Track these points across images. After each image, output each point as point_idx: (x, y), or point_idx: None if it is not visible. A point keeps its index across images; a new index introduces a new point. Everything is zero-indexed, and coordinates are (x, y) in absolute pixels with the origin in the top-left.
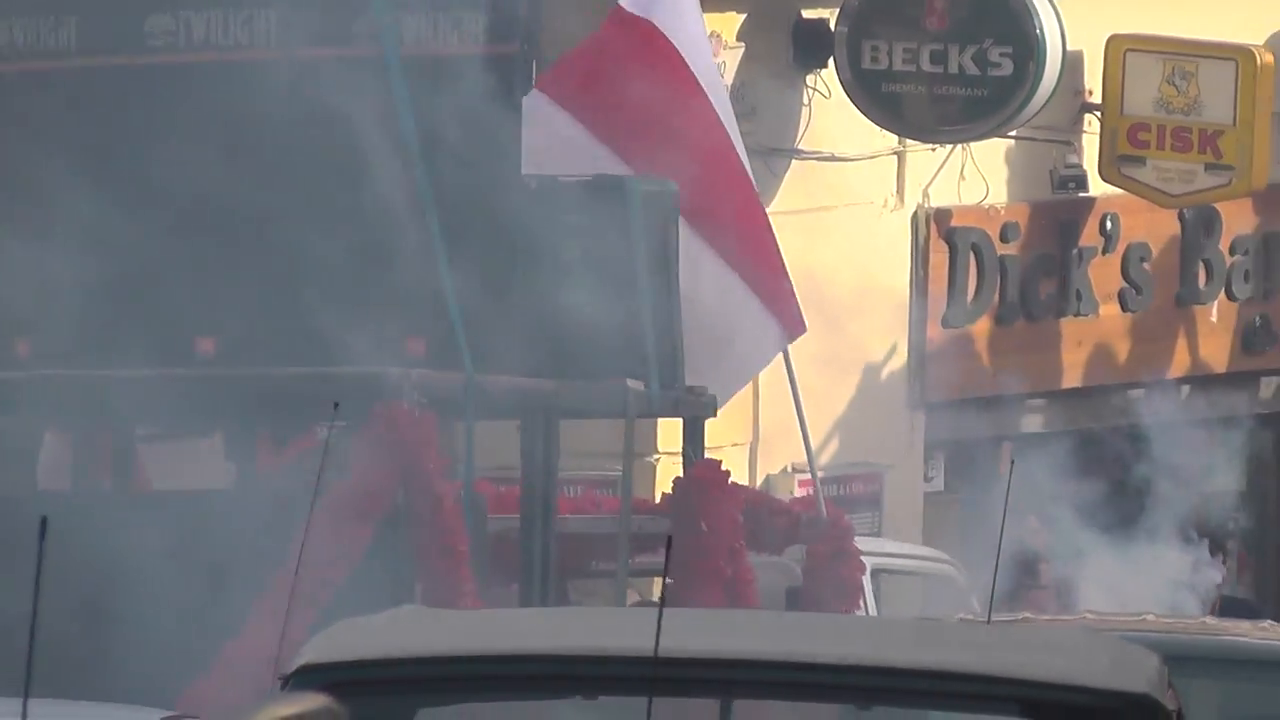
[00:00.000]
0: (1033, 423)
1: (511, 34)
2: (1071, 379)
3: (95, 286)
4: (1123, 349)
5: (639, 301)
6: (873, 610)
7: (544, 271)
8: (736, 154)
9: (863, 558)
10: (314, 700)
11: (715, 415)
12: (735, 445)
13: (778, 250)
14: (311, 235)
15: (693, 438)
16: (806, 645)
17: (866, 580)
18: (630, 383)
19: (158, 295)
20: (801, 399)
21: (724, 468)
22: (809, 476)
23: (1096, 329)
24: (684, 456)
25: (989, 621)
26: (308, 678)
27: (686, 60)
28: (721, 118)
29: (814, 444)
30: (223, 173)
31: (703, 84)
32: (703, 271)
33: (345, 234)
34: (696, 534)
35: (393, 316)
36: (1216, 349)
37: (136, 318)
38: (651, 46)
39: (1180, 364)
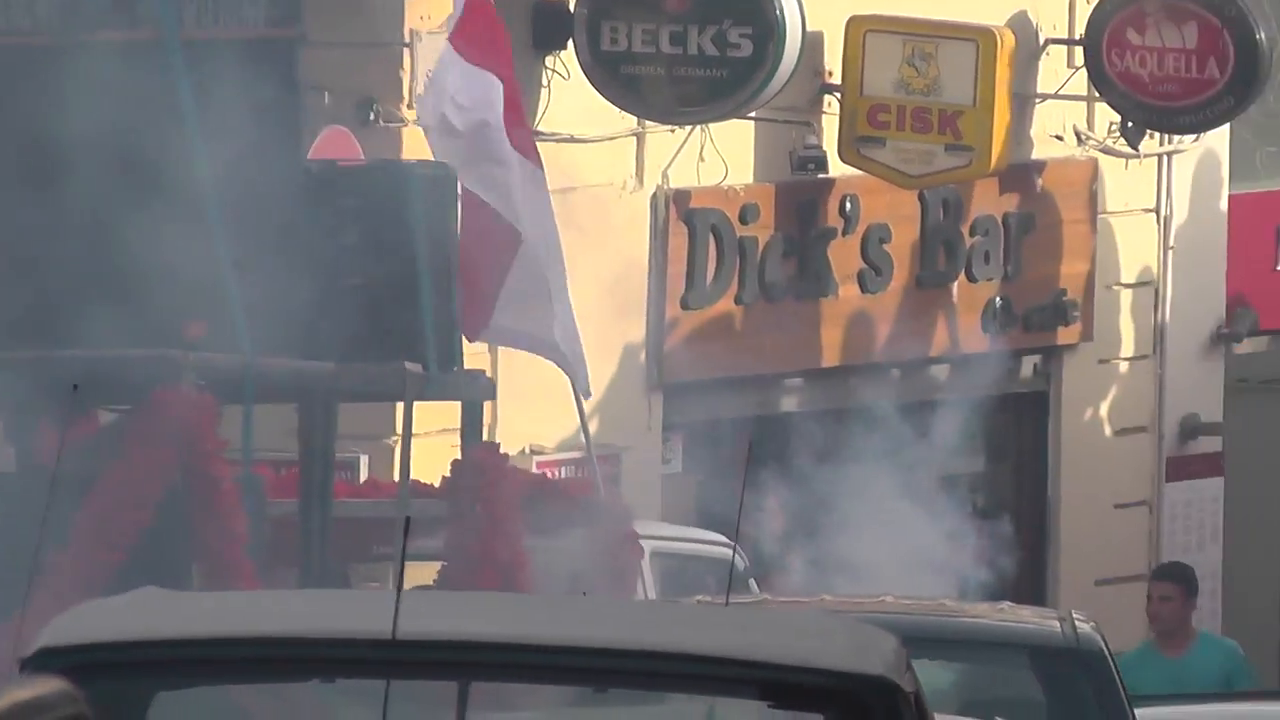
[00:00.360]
0: (774, 404)
1: (290, 18)
2: (810, 360)
3: None
4: (864, 330)
5: (418, 285)
6: (651, 593)
7: (323, 255)
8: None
9: (641, 541)
10: (51, 684)
11: (494, 398)
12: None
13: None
14: (94, 219)
15: (470, 421)
16: (544, 628)
17: (645, 564)
18: (408, 366)
19: None
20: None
21: (502, 450)
22: (546, 458)
23: (837, 309)
24: (462, 439)
25: (727, 604)
26: (46, 660)
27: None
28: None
29: (551, 426)
30: (6, 157)
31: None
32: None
33: (127, 218)
34: (474, 518)
35: (173, 300)
36: (958, 330)
37: None
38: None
39: (925, 345)
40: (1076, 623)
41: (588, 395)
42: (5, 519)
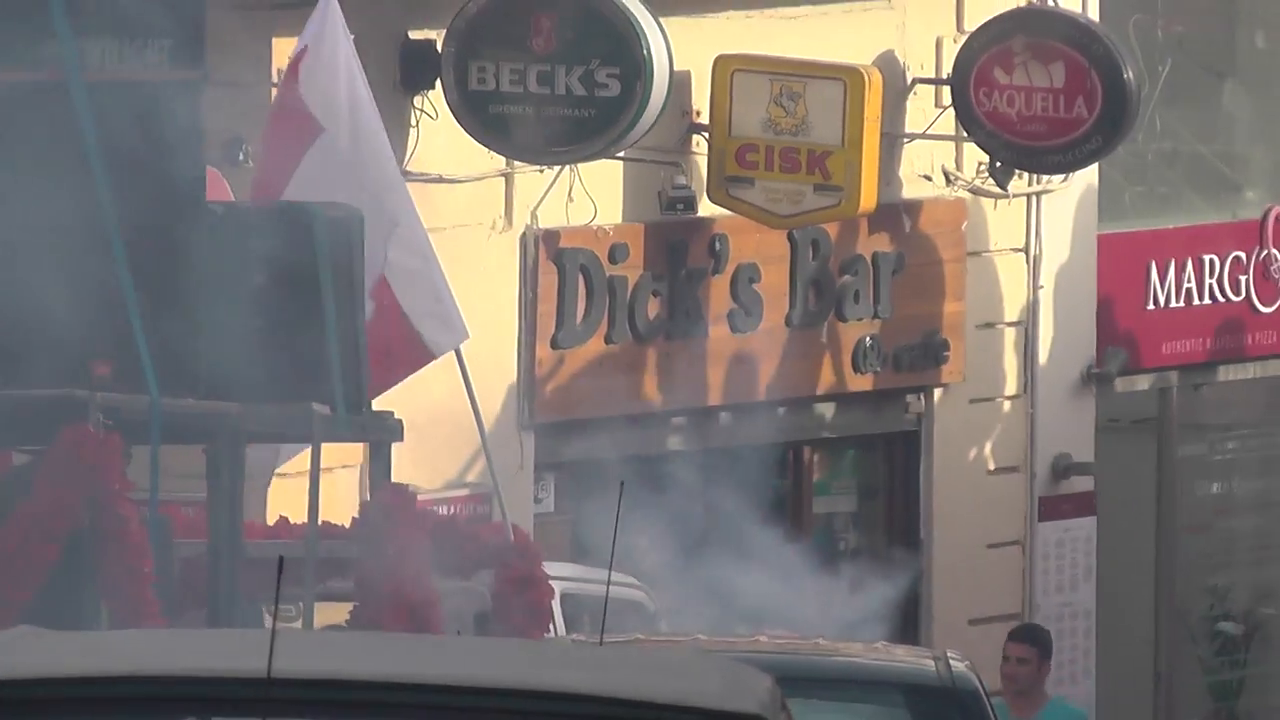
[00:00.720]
0: (645, 443)
1: (194, 60)
2: (681, 399)
3: None
4: (735, 369)
5: (325, 326)
6: (561, 633)
7: (230, 296)
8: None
9: (552, 582)
10: None
11: (401, 440)
12: (345, 467)
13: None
14: (2, 258)
15: (378, 461)
16: (419, 666)
17: (556, 604)
18: (316, 406)
19: None
20: (481, 415)
21: (411, 490)
22: (426, 496)
23: (707, 349)
24: (371, 481)
25: (601, 643)
26: None
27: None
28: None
29: (422, 466)
30: None
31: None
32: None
33: (33, 258)
34: (384, 558)
35: (80, 340)
36: (829, 370)
37: None
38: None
39: (796, 385)
40: (951, 662)
41: (464, 337)
42: None
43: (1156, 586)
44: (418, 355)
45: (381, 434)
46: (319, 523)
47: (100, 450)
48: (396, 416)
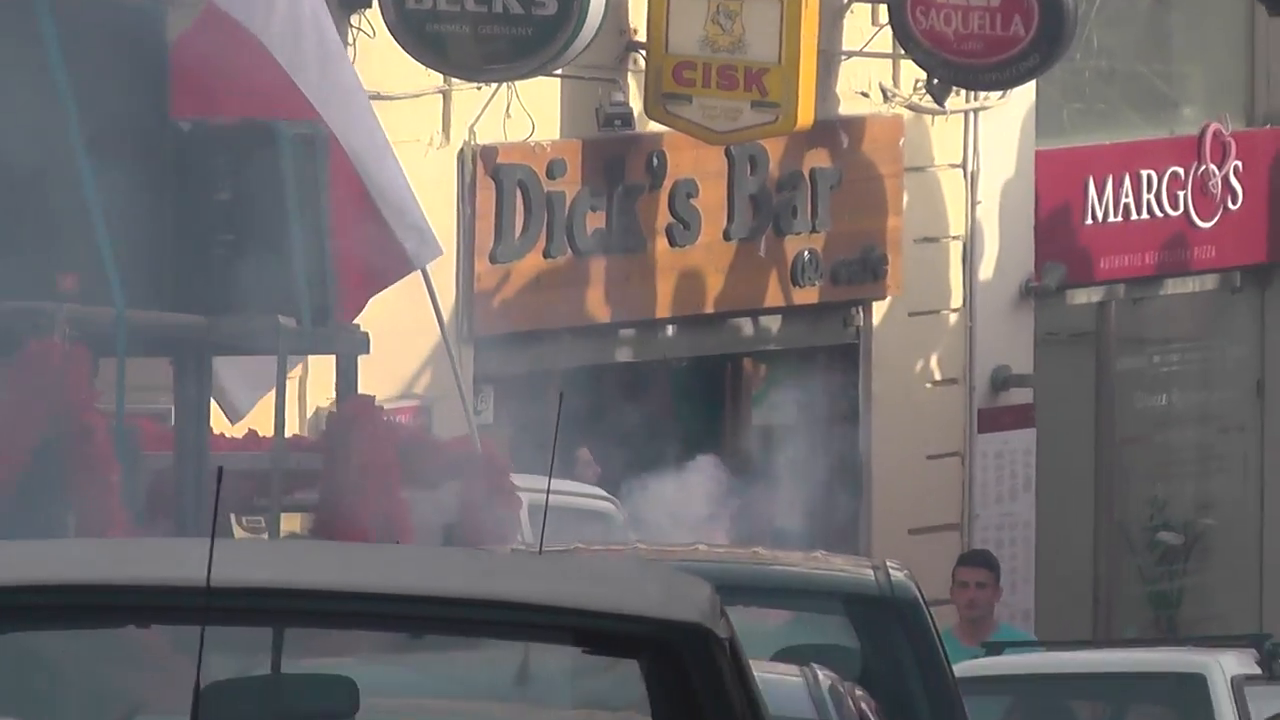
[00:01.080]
0: (583, 356)
1: None
2: (619, 314)
3: None
4: (673, 283)
5: (290, 241)
6: (531, 544)
7: (196, 211)
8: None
9: (520, 493)
10: None
11: (368, 352)
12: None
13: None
14: None
15: (345, 374)
16: (360, 575)
17: (524, 515)
18: (282, 319)
19: None
20: (445, 330)
21: (377, 403)
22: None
23: (645, 264)
24: (337, 392)
25: (540, 552)
26: None
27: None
28: (298, 81)
29: (361, 380)
30: None
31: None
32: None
33: (0, 172)
34: (350, 470)
35: (46, 253)
36: (766, 285)
37: None
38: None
39: (735, 299)
40: (891, 571)
41: (440, 252)
42: None
43: (1096, 498)
44: (400, 266)
45: (347, 347)
46: (286, 435)
47: (67, 362)
48: (362, 329)
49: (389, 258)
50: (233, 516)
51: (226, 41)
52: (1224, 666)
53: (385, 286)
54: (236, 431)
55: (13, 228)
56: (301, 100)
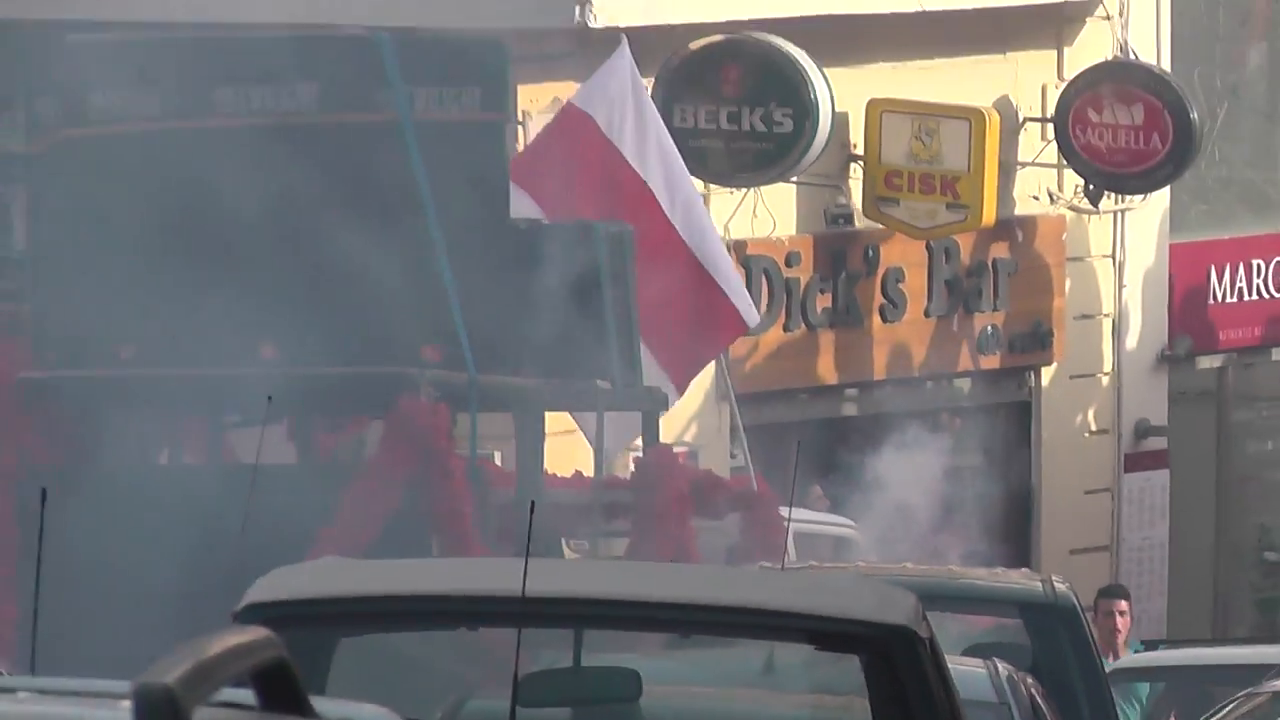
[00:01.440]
0: (815, 411)
1: (500, 104)
2: (845, 376)
3: (188, 305)
4: (887, 352)
5: (605, 318)
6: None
7: (530, 294)
8: (659, 204)
9: (784, 523)
10: (258, 632)
11: (667, 410)
12: (569, 432)
13: (723, 262)
14: (351, 265)
15: (649, 427)
16: (641, 587)
17: (790, 541)
18: (599, 382)
19: (237, 312)
20: (732, 392)
21: (675, 450)
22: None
23: (863, 336)
24: (643, 442)
25: (783, 569)
26: (253, 613)
27: (618, 146)
28: (649, 183)
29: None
30: (282, 215)
31: (632, 163)
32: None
33: (381, 268)
34: (654, 503)
35: (413, 329)
36: (959, 353)
37: (219, 328)
38: (589, 139)
39: (934, 365)
40: (1055, 584)
41: (758, 318)
42: (287, 502)
43: (1216, 525)
44: (738, 326)
45: (651, 404)
46: (604, 475)
47: (431, 417)
48: (663, 390)
49: (727, 321)
50: (563, 541)
51: (583, 144)
52: None
53: (726, 345)
54: (565, 471)
55: (385, 310)
56: (650, 195)
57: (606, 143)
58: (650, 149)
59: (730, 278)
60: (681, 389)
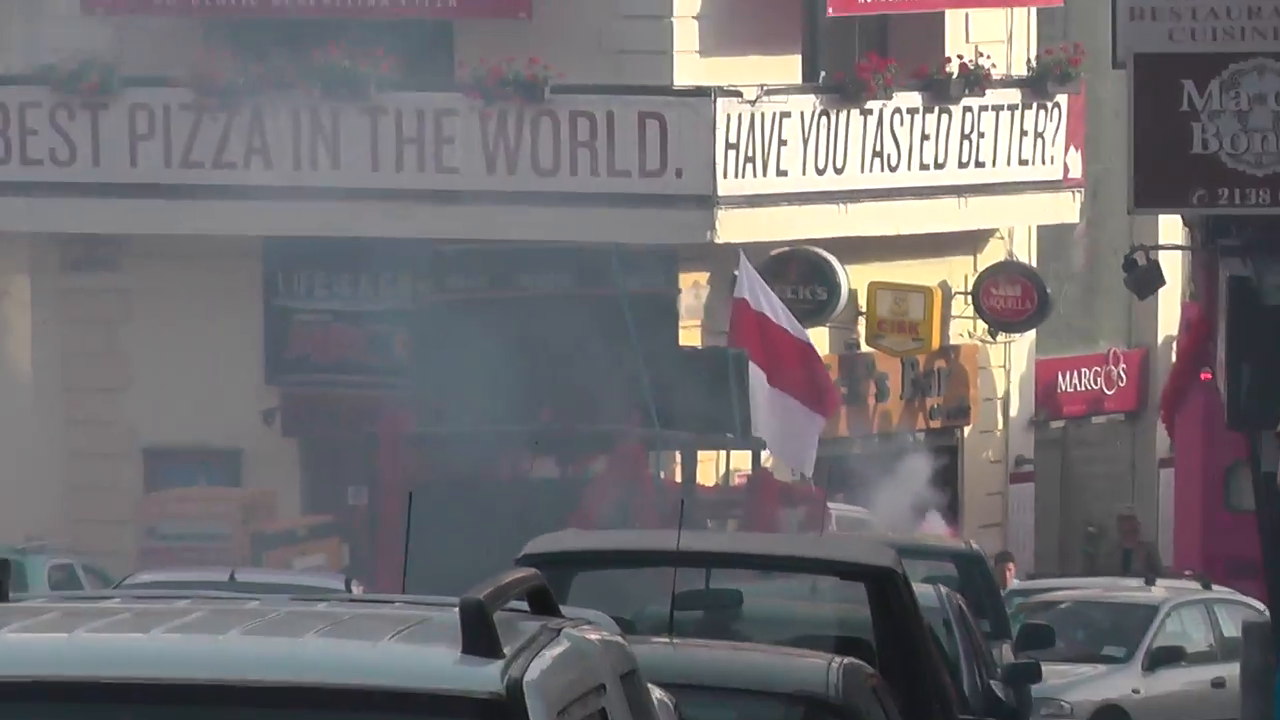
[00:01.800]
0: (839, 450)
1: (672, 283)
2: (854, 431)
3: (508, 394)
4: (877, 418)
5: (731, 400)
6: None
7: (690, 386)
8: (800, 345)
9: (827, 511)
10: (529, 570)
11: (765, 449)
12: (706, 461)
13: (824, 377)
14: (596, 369)
15: (756, 459)
16: (743, 546)
17: (832, 521)
18: (727, 435)
19: (532, 397)
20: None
21: (773, 475)
22: (741, 476)
23: (864, 409)
24: (752, 467)
25: (823, 535)
26: (528, 561)
27: (769, 315)
28: (792, 333)
29: (738, 459)
30: (562, 351)
31: (778, 321)
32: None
33: (610, 368)
34: (756, 501)
35: (626, 405)
36: (920, 419)
37: (521, 403)
38: (752, 314)
39: (907, 424)
40: (972, 545)
41: (808, 474)
42: (552, 499)
43: (1060, 514)
44: (835, 403)
45: (755, 447)
46: (729, 484)
47: (635, 452)
48: (763, 439)
49: (830, 399)
50: (707, 521)
51: (757, 319)
52: None
53: (831, 415)
54: (708, 483)
55: (611, 394)
56: (786, 333)
57: (758, 311)
58: (777, 307)
59: (827, 378)
60: (811, 444)
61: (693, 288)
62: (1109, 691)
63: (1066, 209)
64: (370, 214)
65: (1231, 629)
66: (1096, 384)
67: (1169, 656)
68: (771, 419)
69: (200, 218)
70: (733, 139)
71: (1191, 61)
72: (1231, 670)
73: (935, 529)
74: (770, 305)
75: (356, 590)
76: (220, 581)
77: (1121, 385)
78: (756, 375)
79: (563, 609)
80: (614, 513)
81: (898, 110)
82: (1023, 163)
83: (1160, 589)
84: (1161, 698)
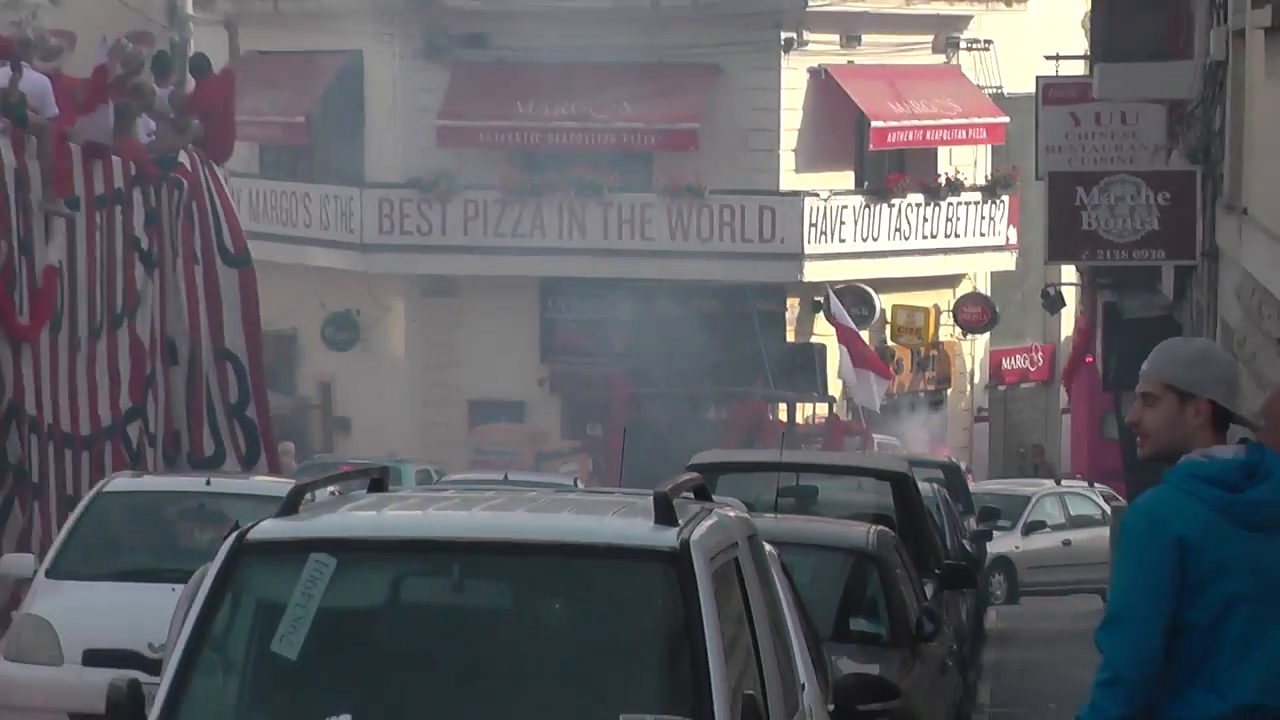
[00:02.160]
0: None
1: (780, 304)
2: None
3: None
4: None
5: (816, 376)
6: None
7: (797, 372)
8: (858, 338)
9: (871, 441)
10: (693, 474)
11: (837, 403)
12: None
13: (875, 357)
14: (737, 355)
15: (830, 411)
16: (817, 459)
17: (875, 445)
18: (814, 394)
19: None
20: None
21: (839, 418)
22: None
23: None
24: (829, 411)
25: (865, 452)
26: (692, 469)
27: (847, 324)
28: (859, 333)
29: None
30: (720, 359)
31: (850, 326)
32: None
33: (749, 356)
34: (831, 433)
35: (751, 375)
36: (921, 385)
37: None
38: (839, 325)
39: (918, 385)
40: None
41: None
42: (696, 435)
43: (1003, 444)
44: (887, 373)
45: (828, 400)
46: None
47: (756, 405)
48: (834, 397)
49: (883, 371)
50: (800, 445)
51: (841, 327)
52: None
53: (887, 379)
54: (801, 422)
55: (743, 369)
56: (859, 338)
57: (842, 324)
58: (848, 319)
59: (876, 358)
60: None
61: (792, 308)
62: (1002, 548)
63: (1007, 262)
64: (600, 264)
65: (1076, 509)
66: (1025, 364)
67: (1037, 526)
68: (855, 382)
69: (503, 265)
70: (813, 220)
71: (1082, 176)
72: (1076, 535)
73: (933, 449)
74: (844, 317)
75: (581, 486)
76: (497, 480)
77: (1040, 365)
78: (845, 357)
79: (713, 496)
80: (744, 440)
81: (909, 204)
82: (981, 235)
83: (1044, 485)
84: (1032, 552)
